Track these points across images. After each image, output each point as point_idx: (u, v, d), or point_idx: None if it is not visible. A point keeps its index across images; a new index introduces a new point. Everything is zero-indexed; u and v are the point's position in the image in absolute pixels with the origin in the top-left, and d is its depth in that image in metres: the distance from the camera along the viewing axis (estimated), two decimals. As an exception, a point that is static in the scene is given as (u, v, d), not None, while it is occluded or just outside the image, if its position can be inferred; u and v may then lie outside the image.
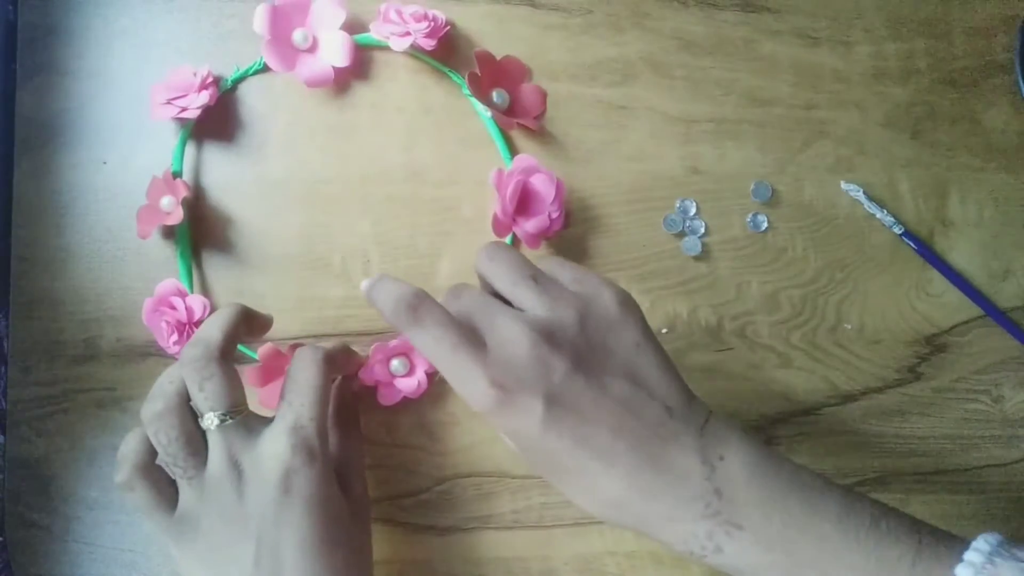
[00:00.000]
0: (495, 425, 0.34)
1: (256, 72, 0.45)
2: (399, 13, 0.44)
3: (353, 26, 0.45)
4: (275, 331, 0.44)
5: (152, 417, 0.35)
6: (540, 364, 0.32)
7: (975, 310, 0.48)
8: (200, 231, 0.45)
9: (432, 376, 0.44)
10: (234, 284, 0.45)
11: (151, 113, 0.43)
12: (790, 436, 0.47)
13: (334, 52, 0.44)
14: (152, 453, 0.35)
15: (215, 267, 0.45)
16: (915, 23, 0.49)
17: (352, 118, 0.46)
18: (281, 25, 0.44)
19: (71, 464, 0.44)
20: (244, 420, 0.35)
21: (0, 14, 0.45)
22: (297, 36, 0.44)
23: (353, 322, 0.45)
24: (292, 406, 0.36)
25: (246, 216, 0.45)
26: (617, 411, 0.32)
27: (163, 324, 0.42)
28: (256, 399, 0.43)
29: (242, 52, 0.45)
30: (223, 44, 0.45)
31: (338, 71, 0.44)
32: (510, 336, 0.32)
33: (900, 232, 0.47)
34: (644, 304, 0.46)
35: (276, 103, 0.46)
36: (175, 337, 0.42)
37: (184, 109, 0.42)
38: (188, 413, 0.35)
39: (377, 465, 0.45)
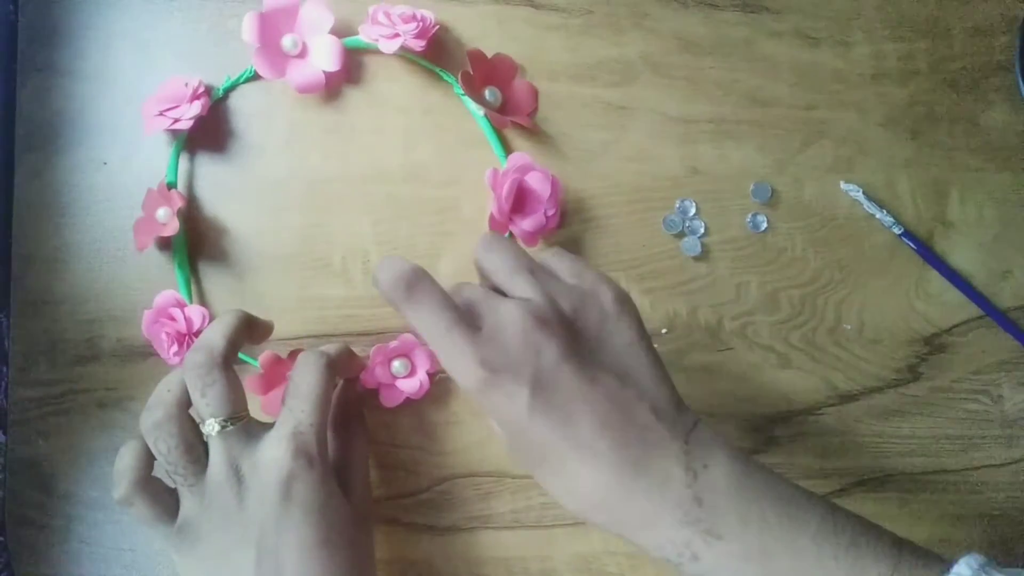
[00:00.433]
0: (483, 407, 0.33)
1: (247, 80, 0.45)
2: (387, 15, 0.44)
3: (342, 30, 0.45)
4: (276, 332, 0.44)
5: (152, 426, 0.35)
6: (530, 348, 0.31)
7: (975, 310, 0.48)
8: (197, 238, 0.45)
9: (433, 376, 0.44)
10: (234, 285, 0.45)
11: (145, 127, 0.43)
12: (790, 436, 0.47)
13: (324, 57, 0.44)
14: (149, 466, 0.35)
15: (213, 273, 0.45)
16: (915, 23, 0.49)
17: (350, 120, 0.46)
18: (270, 32, 0.44)
19: (71, 464, 0.44)
20: (245, 426, 0.35)
21: (0, 14, 0.45)
22: (286, 42, 0.44)
23: (353, 322, 0.45)
24: (293, 412, 0.36)
25: (245, 217, 0.45)
26: (604, 406, 0.31)
27: (163, 335, 0.42)
28: (258, 407, 0.43)
29: (242, 53, 0.45)
30: (223, 45, 0.45)
31: (329, 75, 0.44)
32: (504, 319, 0.32)
33: (900, 232, 0.47)
34: (644, 304, 0.46)
35: (269, 109, 0.45)
36: (175, 348, 0.42)
37: (177, 120, 0.42)
38: (188, 420, 0.35)
39: (377, 465, 0.45)
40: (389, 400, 0.43)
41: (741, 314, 0.47)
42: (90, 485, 0.44)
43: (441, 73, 0.46)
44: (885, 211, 0.47)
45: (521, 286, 0.34)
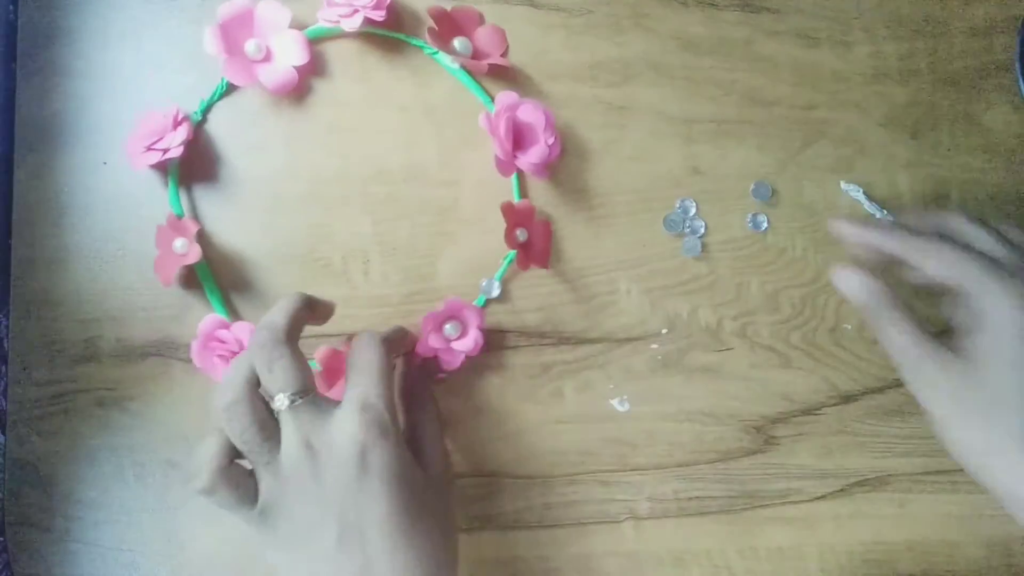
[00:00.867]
0: (944, 443, 0.37)
1: (222, 95, 0.45)
2: None
3: (301, 22, 0.45)
4: (275, 331, 0.44)
5: (224, 407, 0.35)
6: None
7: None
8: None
9: (485, 333, 0.44)
10: (235, 285, 0.45)
11: (132, 164, 0.43)
12: (790, 436, 0.47)
13: (290, 53, 0.44)
14: (229, 454, 0.35)
15: (215, 273, 0.45)
16: (915, 23, 0.49)
17: (349, 119, 0.46)
18: (232, 41, 0.43)
19: (71, 464, 0.44)
20: (313, 400, 0.35)
21: (0, 14, 0.45)
22: (250, 47, 0.44)
23: (353, 322, 0.45)
24: (357, 387, 0.36)
25: (245, 218, 0.45)
26: None
27: (215, 359, 0.42)
28: None
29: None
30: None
31: (301, 70, 0.44)
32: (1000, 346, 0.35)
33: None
34: (644, 304, 0.46)
35: (250, 118, 0.45)
36: None
37: (166, 151, 0.42)
38: (259, 399, 0.35)
39: (377, 465, 0.45)
40: (449, 364, 0.44)
41: (741, 314, 0.47)
42: (90, 485, 0.44)
43: (408, 39, 0.46)
44: (885, 211, 0.47)
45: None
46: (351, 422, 0.34)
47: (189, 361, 0.44)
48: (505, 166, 0.43)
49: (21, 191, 0.44)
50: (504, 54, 0.46)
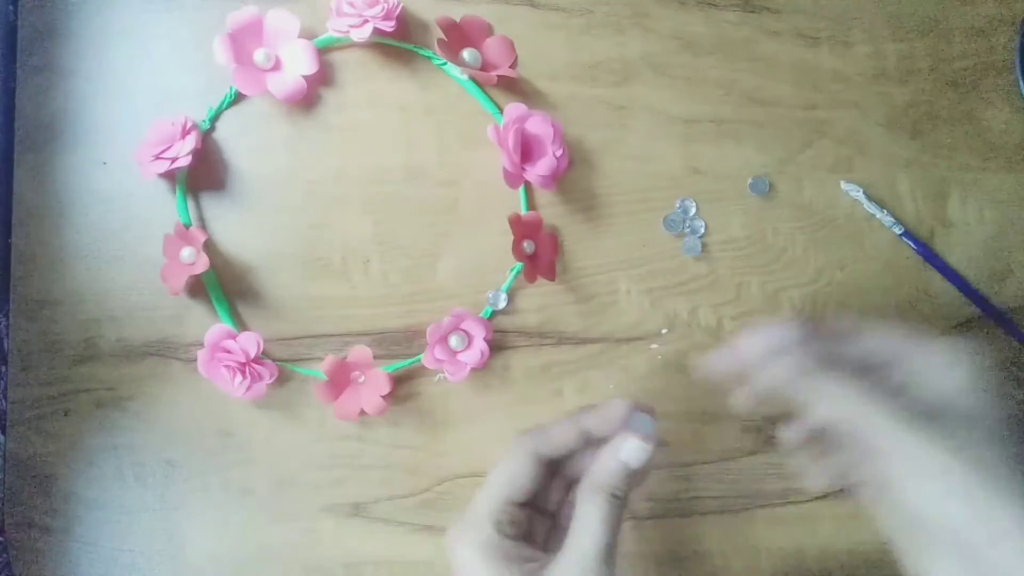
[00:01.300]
0: None
1: (230, 104, 0.45)
2: (351, 3, 0.44)
3: (310, 32, 0.45)
4: (275, 331, 0.45)
5: None
6: None
7: (975, 310, 0.48)
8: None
9: (490, 343, 0.44)
10: (235, 286, 0.45)
11: (142, 173, 0.43)
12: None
13: (299, 62, 0.44)
14: None
15: (216, 275, 0.45)
16: (915, 23, 0.49)
17: (349, 120, 0.46)
18: (242, 50, 0.43)
19: (71, 464, 0.44)
20: None
21: (0, 14, 0.45)
22: (259, 56, 0.44)
23: (353, 322, 0.45)
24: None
25: (246, 218, 0.45)
26: None
27: (223, 370, 0.42)
28: (331, 414, 0.44)
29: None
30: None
31: (310, 79, 0.44)
32: None
33: (900, 232, 0.47)
34: (644, 304, 0.46)
35: (259, 127, 0.45)
36: (239, 379, 0.42)
37: (175, 160, 0.42)
38: None
39: (377, 465, 0.45)
40: (455, 375, 0.44)
41: (741, 314, 0.47)
42: (90, 485, 0.44)
43: (417, 50, 0.46)
44: (885, 211, 0.47)
45: None
46: None
47: (189, 361, 0.44)
48: (513, 178, 0.43)
49: (21, 191, 0.44)
50: (513, 65, 0.46)
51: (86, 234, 0.44)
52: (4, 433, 0.44)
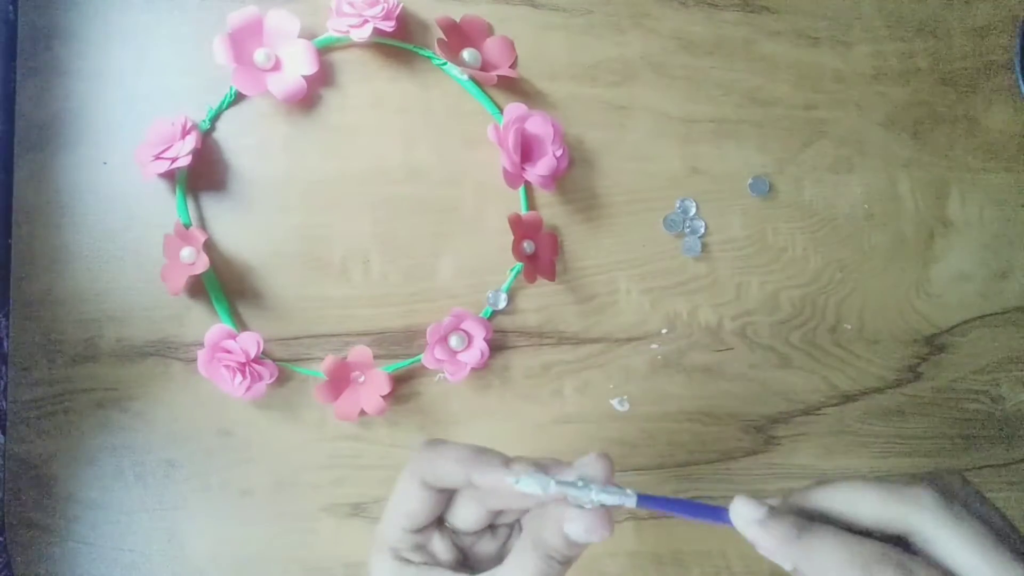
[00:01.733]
0: None
1: (230, 104, 0.45)
2: (351, 3, 0.44)
3: (310, 32, 0.45)
4: (275, 331, 0.45)
5: None
6: None
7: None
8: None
9: (490, 343, 0.44)
10: (235, 287, 0.45)
11: (142, 173, 0.43)
12: (790, 436, 0.47)
13: (299, 63, 0.44)
14: None
15: (217, 275, 0.45)
16: (915, 23, 0.49)
17: (349, 120, 0.46)
18: (242, 50, 0.43)
19: (71, 464, 0.44)
20: None
21: (0, 14, 0.45)
22: (259, 57, 0.44)
23: (353, 322, 0.45)
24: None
25: (246, 218, 0.45)
26: None
27: (223, 370, 0.42)
28: (331, 415, 0.44)
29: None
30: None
31: (310, 79, 0.44)
32: None
33: None
34: (644, 304, 0.46)
35: (258, 127, 0.45)
36: (239, 379, 0.42)
37: (175, 160, 0.42)
38: None
39: (377, 465, 0.45)
40: (455, 375, 0.44)
41: (741, 314, 0.47)
42: (90, 485, 0.44)
43: (417, 50, 0.46)
44: None
45: None
46: None
47: (189, 361, 0.44)
48: (513, 178, 0.43)
49: (21, 191, 0.44)
50: (513, 65, 0.46)
51: (86, 234, 0.44)
52: (4, 433, 0.44)
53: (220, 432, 0.44)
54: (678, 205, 0.47)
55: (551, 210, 0.46)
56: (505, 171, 0.43)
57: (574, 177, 0.47)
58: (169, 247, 0.43)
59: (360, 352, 0.44)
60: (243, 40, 0.44)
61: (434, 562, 0.31)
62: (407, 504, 0.31)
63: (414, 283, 0.45)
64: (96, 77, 0.45)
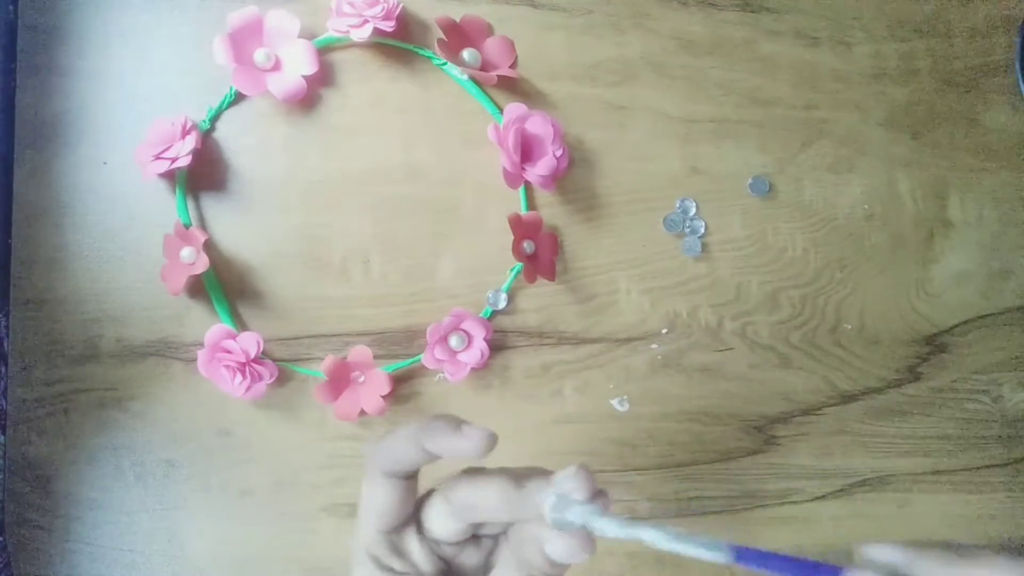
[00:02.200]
0: None
1: (230, 104, 0.45)
2: (351, 3, 0.44)
3: (309, 32, 0.45)
4: (274, 331, 0.45)
5: None
6: None
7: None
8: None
9: (490, 343, 0.44)
10: (235, 287, 0.45)
11: (142, 173, 0.43)
12: (790, 436, 0.47)
13: (299, 62, 0.44)
14: None
15: (217, 275, 0.45)
16: (915, 23, 0.49)
17: (349, 120, 0.46)
18: (242, 50, 0.43)
19: (71, 464, 0.44)
20: None
21: (0, 14, 0.45)
22: (259, 56, 0.44)
23: (353, 322, 0.45)
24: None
25: (251, 226, 0.45)
26: None
27: (223, 370, 0.42)
28: (331, 415, 0.44)
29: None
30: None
31: (310, 79, 0.44)
32: None
33: None
34: (644, 304, 0.46)
35: (258, 127, 0.45)
36: (239, 379, 0.42)
37: (175, 160, 0.42)
38: None
39: (377, 465, 0.45)
40: (455, 375, 0.44)
41: (741, 314, 0.47)
42: (90, 485, 0.44)
43: (417, 50, 0.46)
44: None
45: None
46: None
47: (189, 361, 0.44)
48: (513, 178, 0.43)
49: (21, 191, 0.44)
50: (513, 65, 0.46)
51: (86, 234, 0.44)
52: (4, 433, 0.44)
53: (220, 432, 0.44)
54: (678, 205, 0.47)
55: (551, 210, 0.46)
56: (505, 171, 0.43)
57: (574, 177, 0.47)
58: (169, 247, 0.43)
59: (360, 352, 0.44)
60: (243, 40, 0.44)
61: (416, 572, 0.30)
62: (375, 502, 0.30)
63: (414, 283, 0.45)
64: (96, 77, 0.45)
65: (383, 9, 0.44)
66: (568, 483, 0.27)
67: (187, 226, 0.43)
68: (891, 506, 0.47)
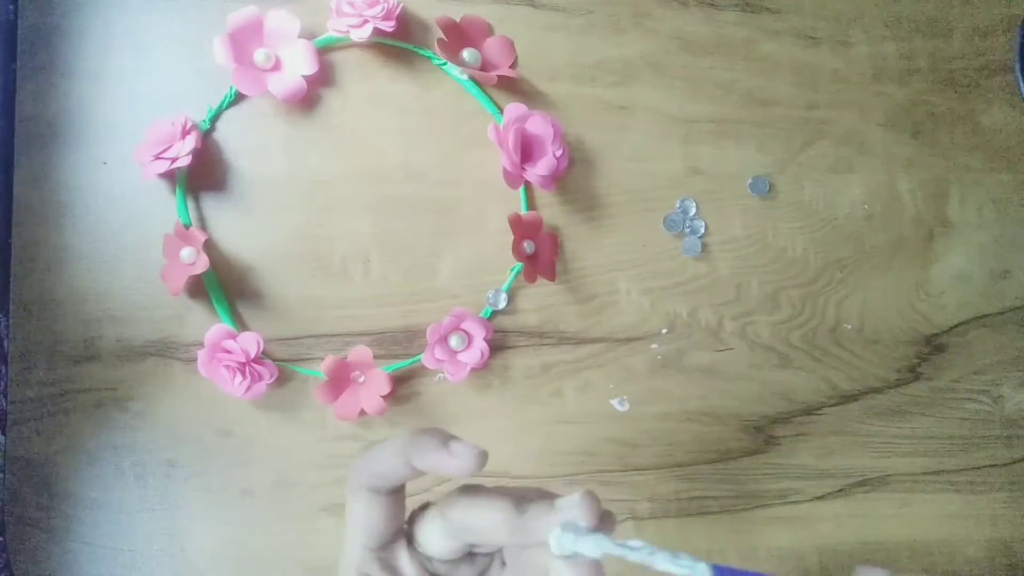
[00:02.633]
0: None
1: (230, 104, 0.45)
2: (351, 3, 0.44)
3: (310, 32, 0.45)
4: (275, 331, 0.45)
5: None
6: None
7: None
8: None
9: (490, 343, 0.44)
10: (235, 287, 0.45)
11: (142, 173, 0.43)
12: (790, 436, 0.47)
13: (299, 63, 0.44)
14: None
15: (217, 274, 0.45)
16: (915, 23, 0.49)
17: (349, 120, 0.46)
18: (242, 50, 0.44)
19: (71, 464, 0.44)
20: None
21: (0, 14, 0.45)
22: (259, 57, 0.44)
23: (353, 322, 0.45)
24: None
25: (251, 226, 0.45)
26: None
27: (223, 370, 0.42)
28: (331, 415, 0.44)
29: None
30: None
31: (310, 79, 0.44)
32: None
33: None
34: (644, 304, 0.46)
35: (258, 127, 0.45)
36: (239, 379, 0.42)
37: (175, 160, 0.42)
38: None
39: (377, 465, 0.45)
40: (455, 375, 0.44)
41: (741, 314, 0.47)
42: (90, 485, 0.44)
43: (417, 50, 0.46)
44: None
45: None
46: None
47: (189, 361, 0.44)
48: (513, 178, 0.43)
49: (21, 191, 0.44)
50: (513, 65, 0.46)
51: (86, 234, 0.44)
52: (4, 433, 0.44)
53: (220, 432, 0.44)
54: (678, 205, 0.47)
55: (551, 210, 0.46)
56: (505, 171, 0.43)
57: (574, 177, 0.47)
58: (169, 247, 0.43)
59: (360, 352, 0.44)
60: (243, 40, 0.44)
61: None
62: (362, 518, 0.29)
63: (414, 283, 0.45)
64: (96, 77, 0.45)
65: (383, 9, 0.44)
66: (573, 511, 0.26)
67: (187, 226, 0.43)
68: (891, 506, 0.47)
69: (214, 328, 0.43)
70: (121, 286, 0.44)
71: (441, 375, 0.45)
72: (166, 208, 0.44)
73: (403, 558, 0.30)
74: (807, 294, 0.47)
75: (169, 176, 0.44)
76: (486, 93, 0.46)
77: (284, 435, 0.45)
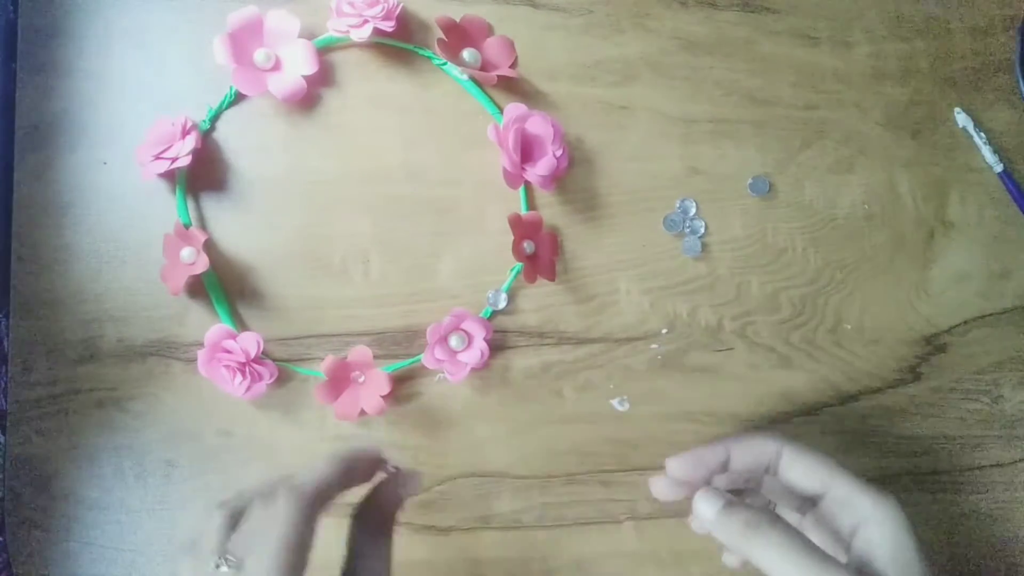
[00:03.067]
0: None
1: (230, 104, 0.45)
2: (351, 3, 0.44)
3: (309, 32, 0.45)
4: (275, 331, 0.45)
5: None
6: None
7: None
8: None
9: (490, 343, 0.44)
10: (235, 287, 0.45)
11: (142, 173, 0.43)
12: (790, 436, 0.47)
13: (299, 63, 0.44)
14: None
15: (217, 274, 0.45)
16: (915, 23, 0.49)
17: (349, 120, 0.46)
18: (242, 50, 0.43)
19: (71, 464, 0.44)
20: None
21: (0, 14, 0.45)
22: (259, 57, 0.44)
23: (353, 322, 0.45)
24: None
25: (251, 226, 0.45)
26: None
27: (223, 370, 0.42)
28: (331, 415, 0.44)
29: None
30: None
31: (310, 79, 0.44)
32: None
33: (999, 171, 0.48)
34: (644, 304, 0.46)
35: (258, 127, 0.45)
36: (239, 379, 0.42)
37: (175, 160, 0.42)
38: None
39: (377, 465, 0.45)
40: (455, 376, 0.44)
41: (741, 314, 0.47)
42: (90, 485, 0.44)
43: (417, 50, 0.46)
44: (988, 145, 0.48)
45: None
46: None
47: (189, 361, 0.44)
48: (513, 178, 0.43)
49: (21, 191, 0.44)
50: (513, 65, 0.46)
51: (86, 234, 0.44)
52: (4, 433, 0.44)
53: (220, 432, 0.44)
54: (678, 205, 0.47)
55: (551, 210, 0.46)
56: (505, 171, 0.43)
57: (574, 177, 0.47)
58: (169, 247, 0.43)
59: (360, 352, 0.44)
60: (243, 40, 0.44)
61: None
62: (285, 537, 0.31)
63: (414, 283, 0.45)
64: (96, 77, 0.45)
65: (383, 9, 0.44)
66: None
67: (187, 226, 0.43)
68: (891, 506, 0.47)
69: (214, 328, 0.43)
70: (121, 286, 0.44)
71: (441, 375, 0.45)
72: (166, 208, 0.44)
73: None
74: (807, 294, 0.47)
75: (169, 176, 0.44)
76: (486, 93, 0.46)
77: (284, 435, 0.45)
